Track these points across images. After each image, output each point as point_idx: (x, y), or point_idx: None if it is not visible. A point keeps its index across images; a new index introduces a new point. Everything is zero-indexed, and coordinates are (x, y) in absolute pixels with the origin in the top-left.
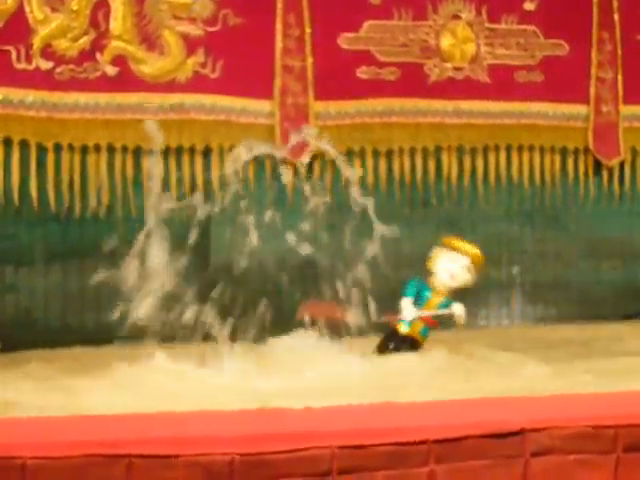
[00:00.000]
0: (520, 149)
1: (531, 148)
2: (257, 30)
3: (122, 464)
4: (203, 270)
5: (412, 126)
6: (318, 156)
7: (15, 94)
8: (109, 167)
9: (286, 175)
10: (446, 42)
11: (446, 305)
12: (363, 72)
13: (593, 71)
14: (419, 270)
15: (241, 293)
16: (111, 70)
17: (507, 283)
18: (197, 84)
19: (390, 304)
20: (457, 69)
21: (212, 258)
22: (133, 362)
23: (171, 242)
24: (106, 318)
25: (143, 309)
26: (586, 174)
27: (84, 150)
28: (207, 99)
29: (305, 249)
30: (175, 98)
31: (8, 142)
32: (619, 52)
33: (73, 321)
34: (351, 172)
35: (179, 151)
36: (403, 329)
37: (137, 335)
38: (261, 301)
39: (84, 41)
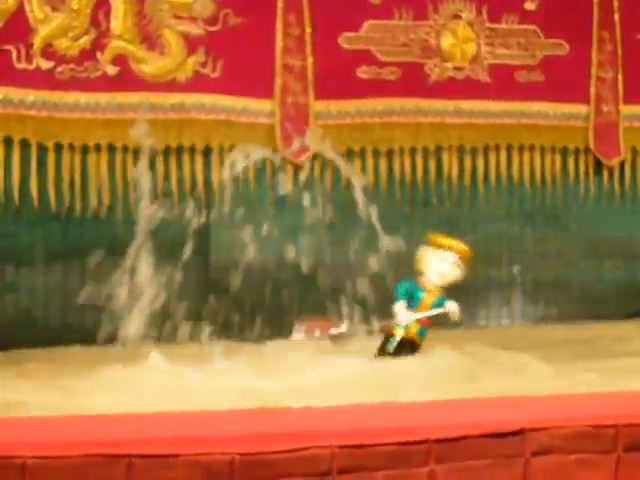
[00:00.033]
0: (521, 149)
1: (532, 148)
2: (257, 30)
3: (122, 464)
4: (203, 270)
5: (413, 126)
6: (318, 156)
7: (16, 94)
8: (110, 167)
9: (283, 185)
10: (447, 42)
11: (439, 303)
12: (363, 72)
13: (593, 71)
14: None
15: (241, 293)
16: (111, 69)
17: (508, 283)
18: (197, 84)
19: (388, 304)
20: (458, 69)
21: (212, 258)
22: (132, 362)
23: (171, 242)
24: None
25: (136, 318)
26: (586, 174)
27: (85, 150)
28: (207, 99)
29: (305, 250)
30: (175, 98)
31: (9, 141)
32: (619, 52)
33: (73, 321)
34: (358, 180)
35: (179, 151)
36: (400, 333)
37: (137, 335)
38: (261, 301)
39: (84, 40)
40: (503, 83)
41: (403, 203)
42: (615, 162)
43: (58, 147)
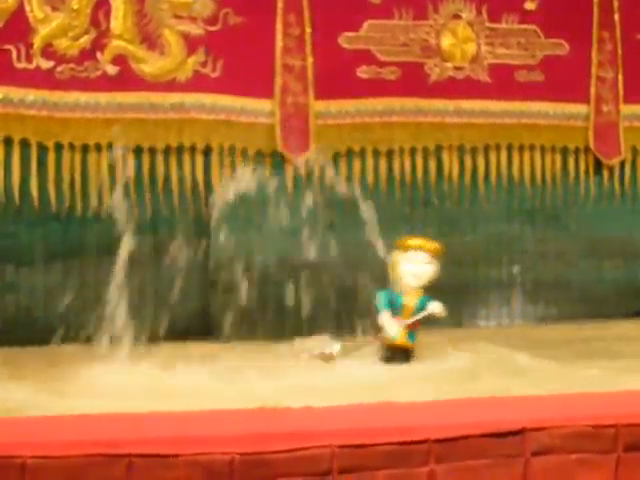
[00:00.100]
0: (521, 148)
1: (532, 147)
2: (257, 29)
3: (122, 464)
4: (203, 270)
5: (413, 125)
6: (318, 155)
7: (15, 93)
8: (110, 166)
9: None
10: (447, 42)
11: (422, 305)
12: (363, 71)
13: (593, 70)
14: None
15: (241, 293)
16: (112, 69)
17: (508, 282)
18: (197, 83)
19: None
20: (458, 69)
21: (212, 257)
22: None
23: (171, 242)
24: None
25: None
26: (587, 173)
27: (85, 149)
28: (207, 98)
29: (305, 248)
30: (175, 97)
31: (9, 141)
32: (619, 51)
33: (73, 320)
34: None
35: (180, 150)
36: (391, 342)
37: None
38: (260, 300)
39: (85, 40)
40: (503, 83)
41: (403, 203)
42: (615, 162)
43: (58, 147)
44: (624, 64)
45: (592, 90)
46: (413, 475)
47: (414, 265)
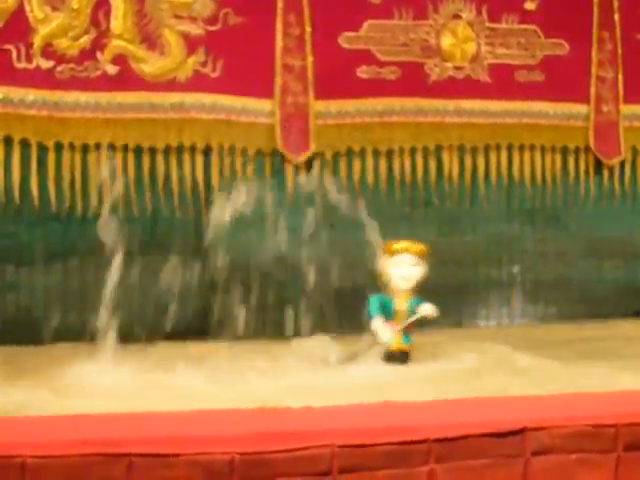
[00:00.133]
0: (521, 148)
1: (532, 147)
2: (257, 29)
3: (122, 463)
4: (202, 269)
5: (413, 125)
6: (318, 156)
7: (15, 93)
8: (110, 166)
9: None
10: (447, 41)
11: (413, 308)
12: (363, 71)
13: (593, 70)
14: None
15: (240, 292)
16: (112, 69)
17: (508, 282)
18: (197, 83)
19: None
20: (458, 68)
21: (211, 257)
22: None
23: (170, 241)
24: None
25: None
26: (587, 173)
27: (85, 149)
28: (207, 98)
29: (305, 248)
30: (175, 97)
31: (9, 141)
32: (619, 51)
33: (73, 320)
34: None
35: (180, 150)
36: (387, 347)
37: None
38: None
39: (85, 40)
40: (503, 83)
41: (403, 203)
42: (615, 162)
43: (58, 146)
44: (624, 64)
45: (592, 90)
46: (413, 475)
47: (402, 268)
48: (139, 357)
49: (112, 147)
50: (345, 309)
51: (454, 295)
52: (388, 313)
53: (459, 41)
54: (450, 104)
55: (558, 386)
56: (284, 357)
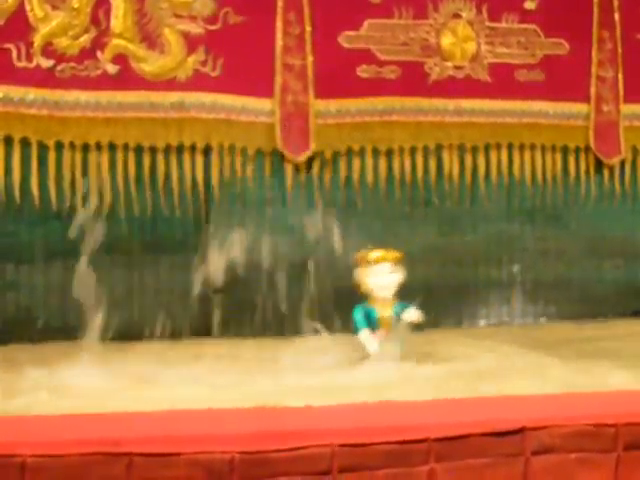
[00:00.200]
0: (521, 148)
1: (532, 147)
2: (257, 28)
3: (122, 462)
4: (202, 269)
5: (413, 125)
6: (318, 155)
7: (16, 92)
8: (111, 165)
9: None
10: (447, 41)
11: (398, 313)
12: (363, 71)
13: (594, 70)
14: (419, 269)
15: (240, 292)
16: (112, 68)
17: (508, 282)
18: (197, 82)
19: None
20: (458, 68)
21: (211, 257)
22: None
23: (170, 241)
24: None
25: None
26: (587, 173)
27: (85, 148)
28: (207, 97)
29: (304, 247)
30: (175, 96)
31: (9, 140)
32: (619, 51)
33: (73, 319)
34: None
35: (180, 149)
36: None
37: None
38: (260, 300)
39: (85, 39)
40: (503, 82)
41: (403, 202)
42: (615, 161)
43: (59, 146)
44: (624, 63)
45: (592, 89)
46: (413, 474)
47: (380, 277)
48: (138, 356)
49: (112, 146)
50: (346, 309)
51: (454, 295)
52: (373, 322)
53: (459, 40)
54: (450, 103)
55: (558, 386)
56: (285, 356)
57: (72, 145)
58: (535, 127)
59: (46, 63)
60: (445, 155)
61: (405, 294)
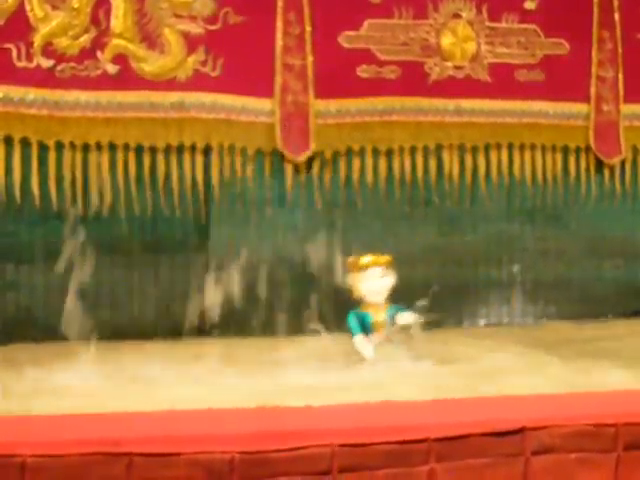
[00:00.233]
0: (521, 148)
1: (532, 147)
2: (257, 28)
3: (122, 462)
4: (203, 269)
5: (413, 125)
6: (318, 155)
7: (16, 92)
8: (111, 165)
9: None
10: (447, 41)
11: (392, 317)
12: (363, 71)
13: (594, 70)
14: (419, 269)
15: (240, 291)
16: (112, 68)
17: (508, 282)
18: (197, 82)
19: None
20: (458, 68)
21: (211, 257)
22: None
23: (170, 241)
24: (106, 316)
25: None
26: (587, 173)
27: (86, 148)
28: (207, 97)
29: (304, 247)
30: (175, 96)
31: (9, 140)
32: (620, 51)
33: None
34: None
35: (180, 149)
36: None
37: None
38: (260, 300)
39: (85, 39)
40: (503, 82)
41: (403, 202)
42: (616, 161)
43: (59, 146)
44: (624, 63)
45: (592, 89)
46: (413, 474)
47: (372, 282)
48: (138, 356)
49: (113, 146)
50: (346, 308)
51: (454, 295)
52: (367, 327)
53: (459, 40)
54: (450, 103)
55: (558, 385)
56: (285, 356)
57: (72, 145)
58: (535, 127)
59: (46, 63)
60: (445, 155)
61: (405, 294)
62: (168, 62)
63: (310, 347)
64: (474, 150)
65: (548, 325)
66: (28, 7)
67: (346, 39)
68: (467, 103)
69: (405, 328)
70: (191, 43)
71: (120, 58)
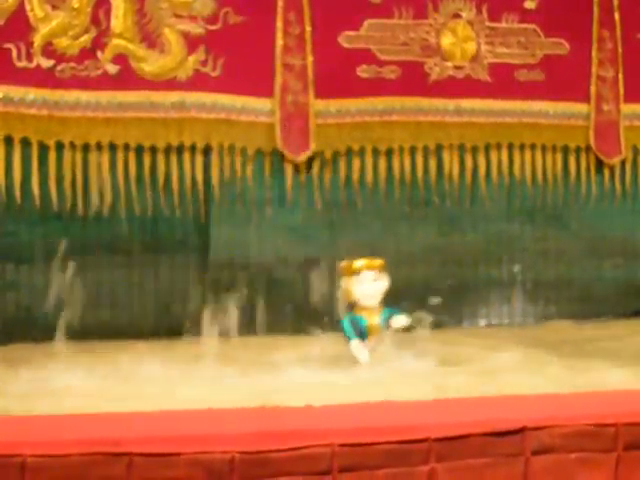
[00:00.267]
0: (522, 148)
1: (532, 147)
2: (258, 28)
3: (123, 462)
4: (203, 269)
5: (413, 124)
6: (318, 155)
7: (16, 92)
8: (111, 165)
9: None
10: (447, 41)
11: (386, 320)
12: (363, 70)
13: (594, 70)
14: (419, 269)
15: (240, 291)
16: (112, 68)
17: (508, 281)
18: (198, 82)
19: (389, 303)
20: (458, 68)
21: (211, 257)
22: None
23: (170, 241)
24: (106, 316)
25: None
26: (587, 172)
27: (86, 148)
28: (208, 97)
29: (304, 247)
30: (176, 96)
31: (9, 140)
32: (619, 50)
33: (73, 319)
34: None
35: (180, 149)
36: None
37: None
38: (260, 299)
39: (85, 39)
40: (503, 82)
41: (403, 202)
42: (616, 161)
43: (59, 145)
44: (624, 63)
45: (592, 89)
46: (413, 474)
47: (365, 286)
48: (138, 356)
49: (113, 146)
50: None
51: (454, 294)
52: (362, 331)
53: (459, 40)
54: (450, 103)
55: (558, 385)
56: (284, 356)
57: (72, 145)
58: (535, 127)
59: (46, 63)
60: (445, 155)
61: (405, 294)
62: (168, 62)
63: (310, 347)
64: (474, 150)
65: (548, 325)
66: (28, 7)
67: (346, 39)
68: (467, 103)
69: (400, 330)
70: (191, 43)
71: (120, 58)
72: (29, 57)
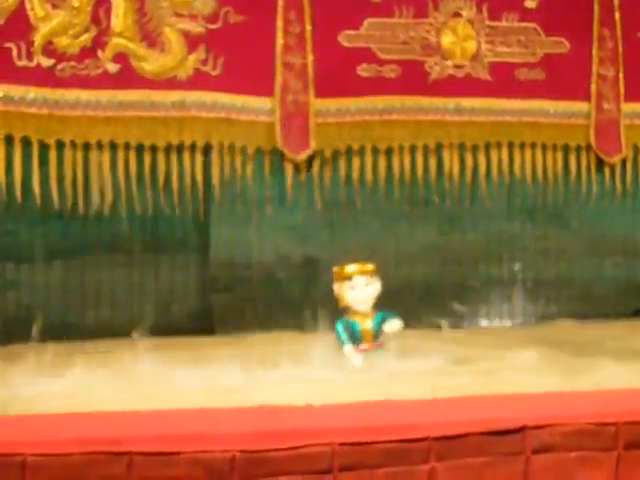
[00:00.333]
0: (522, 146)
1: (533, 145)
2: (258, 27)
3: (123, 461)
4: (203, 268)
5: (413, 123)
6: (318, 154)
7: (16, 91)
8: (112, 164)
9: (283, 183)
10: (447, 40)
11: (379, 324)
12: (364, 70)
13: (594, 68)
14: (419, 268)
15: (240, 290)
16: (112, 67)
17: (509, 280)
18: (198, 81)
19: (389, 302)
20: (458, 67)
21: (212, 257)
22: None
23: (170, 240)
24: (106, 315)
25: None
26: (588, 171)
27: (86, 147)
28: (208, 96)
29: (304, 246)
30: (176, 95)
31: (10, 139)
32: (620, 49)
33: (73, 318)
34: None
35: (180, 148)
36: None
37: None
38: (260, 298)
39: (85, 38)
40: (504, 81)
41: (403, 201)
42: (617, 160)
43: (60, 145)
44: (625, 62)
45: (593, 88)
46: (414, 473)
47: (357, 291)
48: (138, 355)
49: (113, 145)
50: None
51: (455, 293)
52: (356, 335)
53: (459, 39)
54: (450, 102)
55: (559, 384)
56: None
57: (73, 144)
58: (536, 126)
59: (46, 62)
60: (445, 154)
61: (405, 294)
62: (168, 61)
63: (310, 346)
64: (474, 149)
65: (549, 324)
66: (28, 6)
67: (346, 38)
68: (467, 102)
69: (394, 335)
70: (192, 42)
71: (120, 57)
72: (29, 56)
